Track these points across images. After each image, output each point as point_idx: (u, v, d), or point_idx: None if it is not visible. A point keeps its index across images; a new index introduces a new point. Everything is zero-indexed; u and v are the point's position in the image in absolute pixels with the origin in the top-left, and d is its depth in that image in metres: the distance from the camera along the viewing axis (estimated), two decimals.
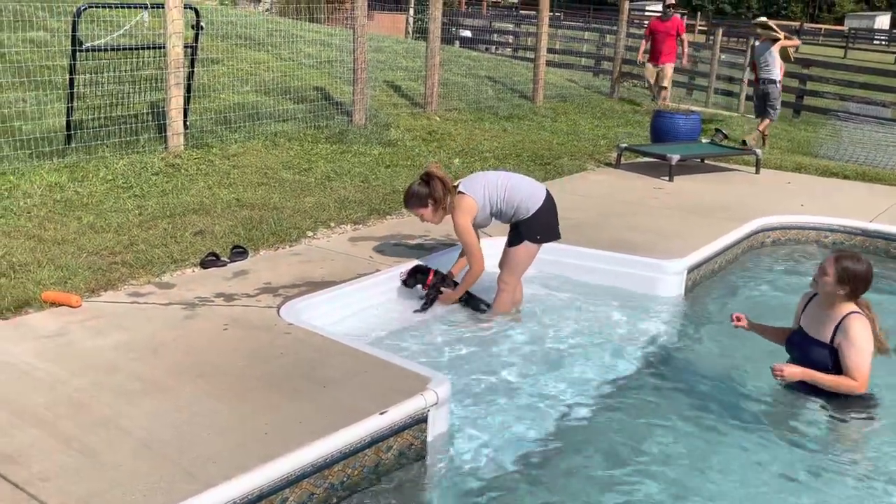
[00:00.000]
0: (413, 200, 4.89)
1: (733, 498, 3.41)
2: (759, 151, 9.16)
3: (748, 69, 13.80)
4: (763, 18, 12.16)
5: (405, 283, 5.03)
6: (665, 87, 13.31)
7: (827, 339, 3.95)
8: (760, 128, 11.10)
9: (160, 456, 3.01)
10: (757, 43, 11.57)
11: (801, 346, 4.11)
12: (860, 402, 3.99)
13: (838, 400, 3.97)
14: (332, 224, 6.05)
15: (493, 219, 4.96)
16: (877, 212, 7.32)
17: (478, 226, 4.93)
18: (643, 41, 13.89)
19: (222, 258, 5.15)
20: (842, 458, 3.71)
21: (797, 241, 7.00)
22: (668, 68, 13.29)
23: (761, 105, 11.37)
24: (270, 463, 2.95)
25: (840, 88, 16.00)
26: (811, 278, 4.12)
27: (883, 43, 40.79)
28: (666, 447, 3.77)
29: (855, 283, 3.88)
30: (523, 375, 4.33)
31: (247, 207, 6.26)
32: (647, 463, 3.63)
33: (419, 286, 5.03)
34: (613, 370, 4.48)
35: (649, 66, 13.49)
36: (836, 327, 3.93)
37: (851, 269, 3.87)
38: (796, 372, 3.95)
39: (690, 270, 5.69)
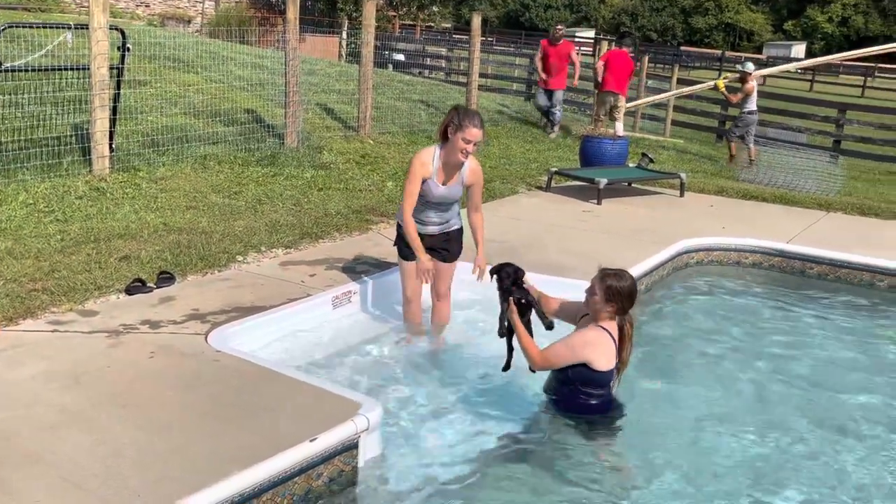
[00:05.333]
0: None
1: None
2: (683, 175, 9.46)
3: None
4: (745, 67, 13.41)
5: (503, 281, 4.17)
6: (616, 118, 12.95)
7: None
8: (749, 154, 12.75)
9: (82, 491, 2.92)
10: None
11: None
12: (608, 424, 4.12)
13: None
14: (263, 248, 6.00)
15: (443, 207, 4.79)
16: (794, 233, 7.63)
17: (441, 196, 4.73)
18: (538, 63, 13.61)
19: (148, 284, 5.04)
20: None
21: (720, 262, 7.25)
22: (622, 99, 13.00)
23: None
24: (195, 495, 2.90)
25: (760, 115, 16.66)
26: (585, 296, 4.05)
27: (799, 71, 42.65)
28: (599, 462, 3.85)
29: (620, 300, 3.95)
30: (455, 397, 4.36)
31: (174, 232, 6.15)
32: (578, 480, 3.69)
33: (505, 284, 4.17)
34: (540, 388, 4.53)
35: (613, 97, 12.92)
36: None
37: (615, 287, 3.93)
38: (515, 317, 4.04)
39: None
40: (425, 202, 4.72)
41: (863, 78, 36.58)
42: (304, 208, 7.22)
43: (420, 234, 4.75)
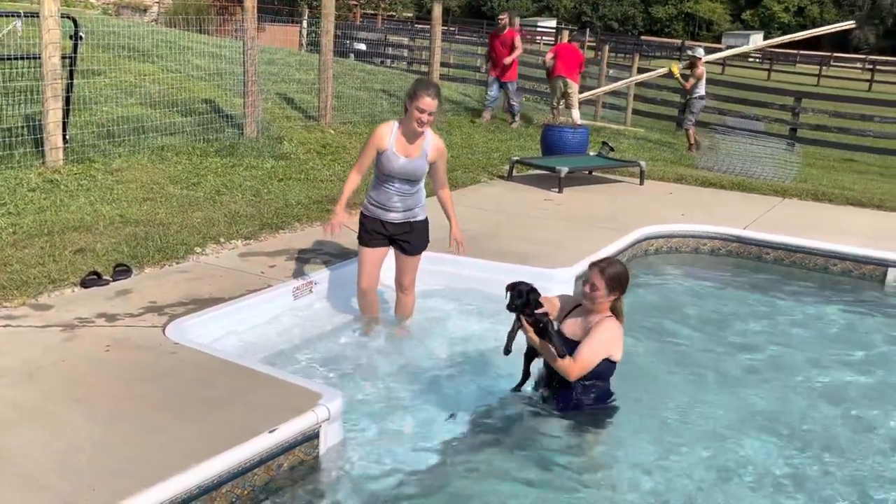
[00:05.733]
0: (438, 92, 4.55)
1: None
2: (642, 163, 9.56)
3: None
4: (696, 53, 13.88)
5: (513, 300, 3.93)
6: (571, 105, 13.22)
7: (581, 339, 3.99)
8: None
9: (38, 486, 2.87)
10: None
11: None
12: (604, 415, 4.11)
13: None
14: (222, 240, 5.93)
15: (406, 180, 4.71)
16: (751, 219, 7.76)
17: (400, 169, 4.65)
18: (486, 54, 13.56)
19: (104, 277, 4.96)
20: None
21: (678, 249, 7.35)
22: (573, 85, 13.24)
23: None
24: (153, 488, 2.86)
25: (718, 103, 16.87)
26: (584, 292, 4.02)
27: (757, 60, 43.29)
28: (558, 451, 3.88)
29: (622, 286, 3.99)
30: (415, 387, 4.37)
31: (131, 224, 6.05)
32: (538, 465, 3.72)
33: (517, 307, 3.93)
34: (503, 378, 4.56)
35: (563, 81, 13.34)
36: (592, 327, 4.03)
37: (616, 274, 3.96)
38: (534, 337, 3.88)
39: (578, 278, 5.87)
40: (389, 179, 4.65)
41: (819, 67, 37.24)
42: (264, 199, 7.15)
43: (381, 221, 4.74)
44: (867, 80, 34.85)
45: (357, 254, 5.01)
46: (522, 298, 3.86)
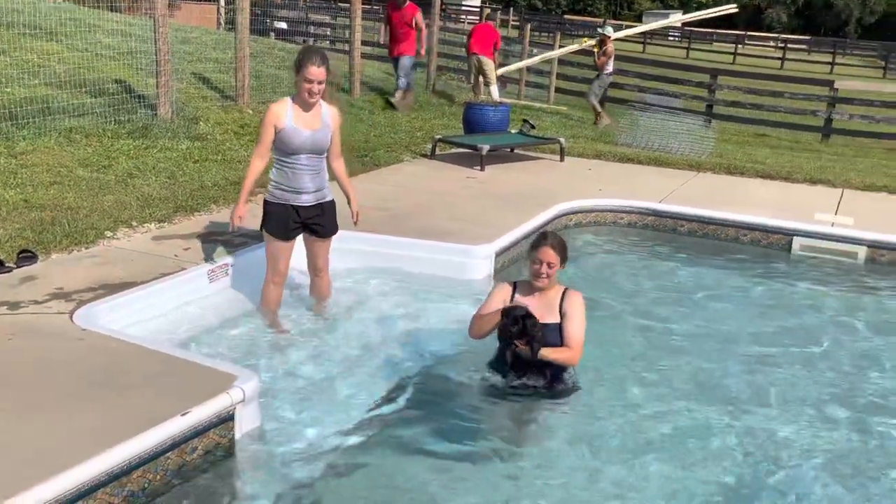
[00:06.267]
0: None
1: None
2: (562, 140, 9.68)
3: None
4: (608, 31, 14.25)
5: (507, 328, 3.86)
6: (489, 82, 13.37)
7: (557, 319, 4.03)
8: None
9: None
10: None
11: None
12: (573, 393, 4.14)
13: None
14: (134, 223, 5.75)
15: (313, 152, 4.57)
16: (666, 193, 7.96)
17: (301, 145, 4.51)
18: (382, 28, 12.87)
19: (7, 264, 4.76)
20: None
21: (597, 223, 7.49)
22: (488, 62, 13.42)
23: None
24: (58, 476, 2.78)
25: (639, 81, 17.21)
26: (536, 276, 4.01)
27: (676, 39, 44.27)
28: (477, 427, 3.93)
29: (567, 254, 4.10)
30: (334, 368, 4.35)
31: (37, 209, 5.81)
32: (455, 440, 3.76)
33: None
34: (425, 357, 4.59)
35: (477, 58, 13.46)
36: (561, 304, 4.05)
37: (564, 243, 4.09)
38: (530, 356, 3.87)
39: (498, 254, 5.93)
40: (296, 157, 4.50)
41: (734, 45, 38.32)
42: (178, 181, 6.97)
43: (293, 207, 4.60)
44: (779, 59, 36.08)
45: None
46: (518, 325, 3.78)
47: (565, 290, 4.13)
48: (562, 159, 9.50)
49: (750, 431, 3.98)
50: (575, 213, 7.36)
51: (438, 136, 9.45)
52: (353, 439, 3.74)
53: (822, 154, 13.05)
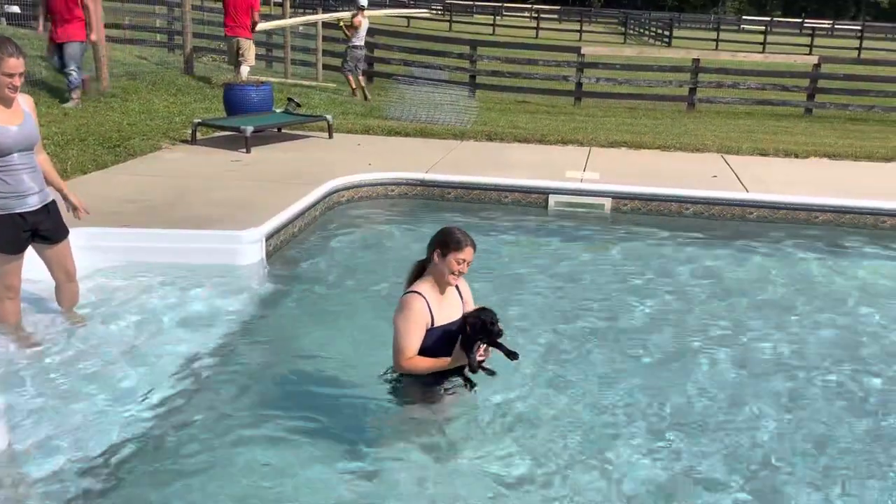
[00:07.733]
0: None
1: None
2: (329, 117, 9.64)
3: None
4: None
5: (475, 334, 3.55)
6: (242, 62, 12.85)
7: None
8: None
9: None
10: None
11: (451, 339, 3.63)
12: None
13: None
14: None
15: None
16: (432, 163, 8.20)
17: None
18: (41, 9, 10.42)
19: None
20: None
21: (369, 197, 7.57)
22: (245, 42, 12.85)
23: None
24: None
25: (404, 55, 17.50)
26: (457, 274, 3.68)
27: (438, 13, 45.47)
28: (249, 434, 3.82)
29: None
30: (98, 375, 4.06)
31: None
32: (230, 449, 3.66)
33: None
34: (190, 344, 4.40)
35: (236, 41, 12.89)
36: (460, 294, 3.81)
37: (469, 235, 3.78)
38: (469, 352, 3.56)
39: (269, 237, 5.81)
40: (8, 157, 4.01)
41: (493, 16, 40.01)
42: None
43: (19, 214, 4.10)
44: (534, 28, 38.21)
45: None
46: (480, 329, 3.50)
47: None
48: (330, 136, 9.47)
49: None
50: (346, 188, 7.38)
51: (198, 120, 9.04)
52: (117, 449, 3.50)
53: (576, 116, 14.08)
